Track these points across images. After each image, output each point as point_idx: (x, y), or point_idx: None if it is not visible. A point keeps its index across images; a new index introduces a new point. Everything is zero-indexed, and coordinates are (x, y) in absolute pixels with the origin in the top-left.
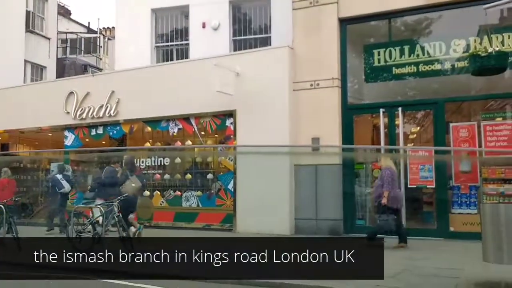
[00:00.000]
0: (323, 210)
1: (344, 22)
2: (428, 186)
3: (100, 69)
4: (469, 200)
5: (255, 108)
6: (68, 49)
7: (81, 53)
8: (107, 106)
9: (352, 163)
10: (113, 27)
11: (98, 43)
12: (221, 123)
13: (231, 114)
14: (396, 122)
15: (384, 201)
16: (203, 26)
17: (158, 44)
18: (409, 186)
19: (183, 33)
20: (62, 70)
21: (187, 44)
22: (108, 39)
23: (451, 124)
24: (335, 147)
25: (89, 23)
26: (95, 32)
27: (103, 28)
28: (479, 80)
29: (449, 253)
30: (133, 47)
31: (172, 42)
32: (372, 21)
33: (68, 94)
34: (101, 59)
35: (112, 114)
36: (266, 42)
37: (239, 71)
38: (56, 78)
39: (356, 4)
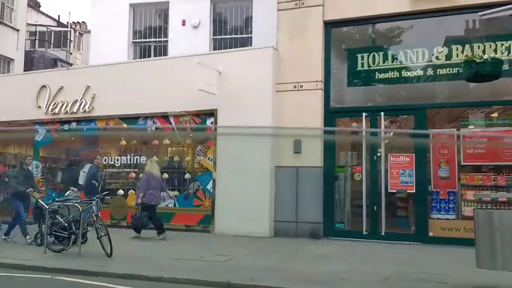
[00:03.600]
0: (303, 213)
1: (329, 25)
2: (408, 191)
3: (70, 64)
4: (447, 205)
5: (237, 108)
6: (36, 42)
7: (50, 46)
8: (82, 101)
9: (333, 166)
10: (83, 22)
11: (68, 37)
12: (201, 122)
13: (212, 113)
14: (378, 127)
15: (138, 200)
16: (183, 24)
17: (135, 40)
18: (389, 191)
19: (162, 30)
20: (31, 64)
21: (166, 41)
22: (79, 33)
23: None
24: (317, 129)
25: (59, 16)
26: (65, 26)
27: (73, 22)
28: (459, 87)
29: (433, 258)
30: (109, 42)
31: (150, 38)
32: (357, 25)
33: (40, 88)
34: (71, 53)
35: (86, 110)
36: (246, 42)
37: (222, 70)
38: (24, 71)
39: (342, 8)
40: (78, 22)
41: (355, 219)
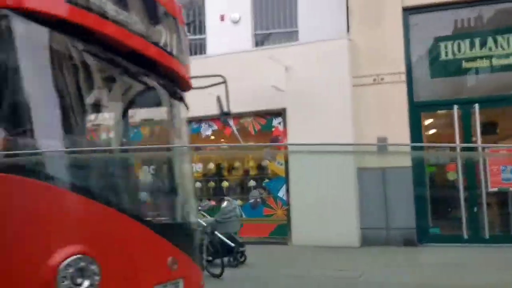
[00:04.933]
0: (394, 218)
1: (408, 12)
2: (511, 189)
3: None
4: None
5: (309, 106)
6: None
7: None
8: None
9: (423, 165)
10: None
11: None
12: (267, 123)
13: (278, 113)
14: (472, 120)
15: None
16: (222, 19)
17: None
18: (489, 190)
19: (196, 26)
20: None
21: (202, 39)
22: None
23: None
24: (406, 145)
25: None
26: None
27: None
28: None
29: None
30: None
31: None
32: (438, 11)
33: None
34: None
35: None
36: (291, 36)
37: (288, 65)
38: None
39: None
40: None
41: (452, 222)
